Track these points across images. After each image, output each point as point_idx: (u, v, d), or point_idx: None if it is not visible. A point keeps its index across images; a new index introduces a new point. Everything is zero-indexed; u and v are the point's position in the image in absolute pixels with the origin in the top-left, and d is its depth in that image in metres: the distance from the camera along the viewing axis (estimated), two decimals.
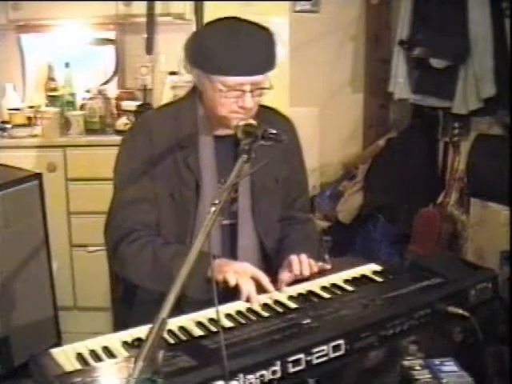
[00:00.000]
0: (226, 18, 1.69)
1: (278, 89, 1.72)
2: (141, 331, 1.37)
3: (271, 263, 1.82)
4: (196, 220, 1.74)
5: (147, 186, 1.75)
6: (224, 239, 1.79)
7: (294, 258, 1.69)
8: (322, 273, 1.70)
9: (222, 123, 1.71)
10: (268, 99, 1.76)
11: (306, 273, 1.66)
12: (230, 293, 1.57)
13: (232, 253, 1.78)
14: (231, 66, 1.61)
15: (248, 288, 1.55)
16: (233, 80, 1.62)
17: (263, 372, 1.23)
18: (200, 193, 1.74)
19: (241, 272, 1.60)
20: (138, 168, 1.75)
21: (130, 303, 1.84)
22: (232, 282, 1.57)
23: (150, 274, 1.70)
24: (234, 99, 1.65)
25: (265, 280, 1.60)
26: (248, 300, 1.54)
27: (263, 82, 1.66)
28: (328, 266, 1.73)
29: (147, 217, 1.76)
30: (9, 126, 3.26)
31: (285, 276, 1.66)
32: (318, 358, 1.29)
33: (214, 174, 1.76)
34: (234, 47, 1.61)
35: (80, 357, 1.31)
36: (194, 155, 1.75)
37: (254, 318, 1.45)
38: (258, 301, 1.53)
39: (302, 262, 1.67)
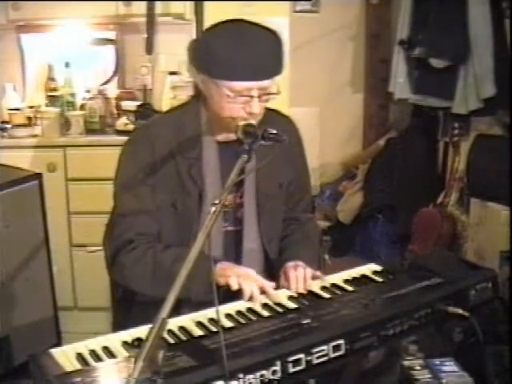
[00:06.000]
0: (230, 20, 1.64)
1: None
2: (141, 331, 1.37)
3: (273, 266, 1.81)
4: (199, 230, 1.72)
5: (148, 195, 1.71)
6: (227, 245, 1.77)
7: (291, 271, 1.66)
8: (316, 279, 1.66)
9: (227, 128, 1.66)
10: None
11: (302, 290, 1.61)
12: (232, 294, 1.57)
13: (235, 258, 1.76)
14: (238, 71, 1.57)
15: (250, 288, 1.54)
16: (240, 85, 1.58)
17: (263, 372, 1.23)
18: (203, 203, 1.70)
19: (244, 276, 1.59)
20: (138, 177, 1.71)
21: (129, 304, 1.84)
22: (234, 287, 1.56)
23: (151, 280, 1.67)
24: (241, 104, 1.60)
25: (268, 287, 1.58)
26: (250, 300, 1.53)
27: (270, 86, 1.62)
28: (325, 278, 1.67)
29: (147, 228, 1.72)
30: (9, 126, 3.25)
31: (285, 286, 1.66)
32: (318, 358, 1.29)
33: (217, 182, 1.71)
34: (240, 52, 1.56)
35: (80, 357, 1.31)
36: (197, 165, 1.71)
37: (254, 318, 1.45)
38: (260, 301, 1.52)
39: (298, 278, 1.63)
